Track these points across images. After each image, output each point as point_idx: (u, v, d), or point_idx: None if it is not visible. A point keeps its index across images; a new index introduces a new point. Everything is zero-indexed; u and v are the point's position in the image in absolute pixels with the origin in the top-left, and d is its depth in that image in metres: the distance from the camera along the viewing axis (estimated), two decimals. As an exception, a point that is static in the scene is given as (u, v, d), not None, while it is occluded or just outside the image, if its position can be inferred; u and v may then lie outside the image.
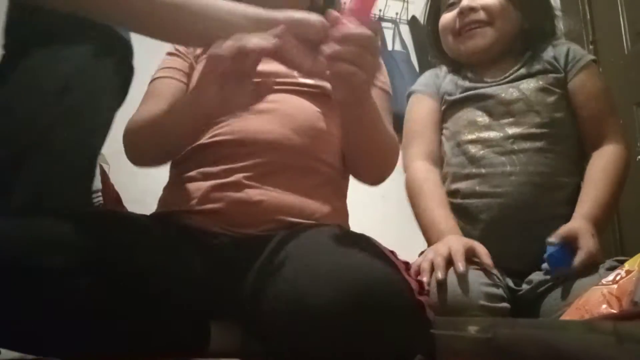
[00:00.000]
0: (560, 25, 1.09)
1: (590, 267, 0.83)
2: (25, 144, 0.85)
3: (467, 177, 0.99)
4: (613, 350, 0.37)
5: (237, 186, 0.82)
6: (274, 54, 0.66)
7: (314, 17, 0.66)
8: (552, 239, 0.85)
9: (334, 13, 0.65)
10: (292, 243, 0.72)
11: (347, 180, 0.97)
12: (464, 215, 0.98)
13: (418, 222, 1.00)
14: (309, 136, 0.87)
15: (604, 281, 0.68)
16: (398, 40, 2.64)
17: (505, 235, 0.94)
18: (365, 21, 0.64)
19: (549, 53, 1.03)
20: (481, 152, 0.99)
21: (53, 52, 0.90)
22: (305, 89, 0.90)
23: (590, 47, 1.91)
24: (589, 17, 1.95)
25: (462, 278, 0.79)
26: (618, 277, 0.66)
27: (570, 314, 0.68)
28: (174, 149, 0.88)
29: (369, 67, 0.65)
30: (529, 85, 1.01)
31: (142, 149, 0.89)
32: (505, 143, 0.97)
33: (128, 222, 0.79)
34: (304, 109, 0.89)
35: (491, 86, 1.03)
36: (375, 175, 0.91)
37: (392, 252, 0.70)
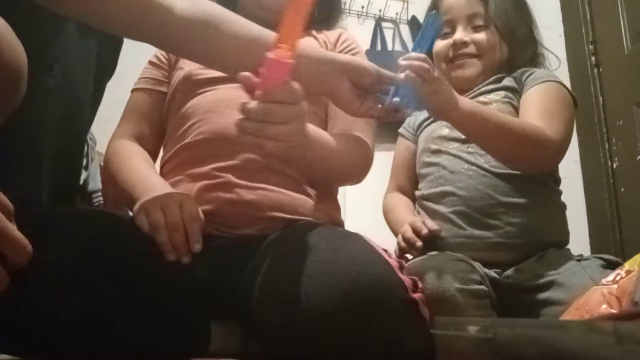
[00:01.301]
0: (543, 52, 1.16)
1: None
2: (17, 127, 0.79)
3: (433, 181, 1.07)
4: (613, 350, 0.37)
5: (227, 186, 0.82)
6: (328, 93, 0.72)
7: (369, 65, 0.70)
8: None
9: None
10: (286, 243, 0.73)
11: None
12: (433, 214, 1.04)
13: (392, 230, 1.11)
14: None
15: (604, 281, 0.68)
16: (398, 40, 2.64)
17: (473, 225, 0.98)
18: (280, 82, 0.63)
19: (516, 75, 1.10)
20: (444, 159, 1.06)
21: (39, 24, 0.83)
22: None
23: (590, 47, 1.91)
24: (589, 17, 1.95)
25: (438, 267, 0.85)
26: (618, 277, 0.66)
27: (570, 314, 0.68)
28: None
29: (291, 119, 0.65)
30: (487, 98, 1.07)
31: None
32: (463, 148, 1.05)
33: (127, 224, 0.79)
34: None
35: None
36: (348, 183, 0.95)
37: (385, 250, 0.70)
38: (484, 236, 0.97)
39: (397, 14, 2.66)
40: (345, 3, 2.57)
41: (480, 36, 1.11)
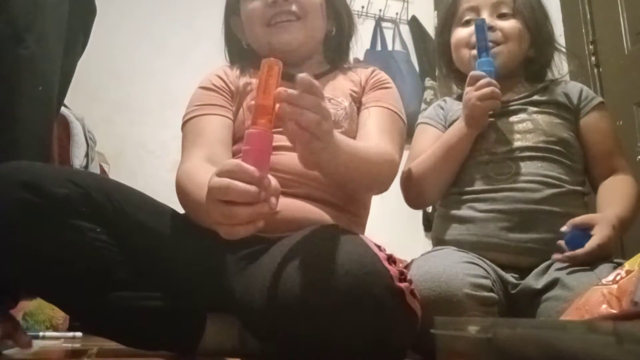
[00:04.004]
0: (560, 59, 1.17)
1: (598, 257, 0.85)
2: None
3: (476, 179, 1.05)
4: (613, 350, 0.36)
5: None
6: None
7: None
8: (569, 224, 0.90)
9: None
10: (284, 240, 0.75)
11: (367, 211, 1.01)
12: (471, 209, 1.03)
13: (446, 159, 1.06)
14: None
15: (604, 281, 0.68)
16: (398, 40, 2.64)
17: (509, 228, 0.97)
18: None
19: (561, 87, 1.11)
20: (489, 158, 1.05)
21: None
22: None
23: (590, 47, 1.91)
24: (589, 17, 1.94)
25: (448, 268, 0.84)
26: (618, 277, 0.66)
27: (570, 314, 0.69)
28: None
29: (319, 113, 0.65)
30: (539, 109, 1.07)
31: (183, 207, 0.88)
32: (512, 154, 1.04)
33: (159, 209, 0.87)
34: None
35: (502, 108, 1.08)
36: (369, 192, 0.98)
37: (378, 246, 0.71)
38: (521, 240, 0.96)
39: (397, 14, 2.66)
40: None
41: (507, 24, 1.09)
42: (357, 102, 1.01)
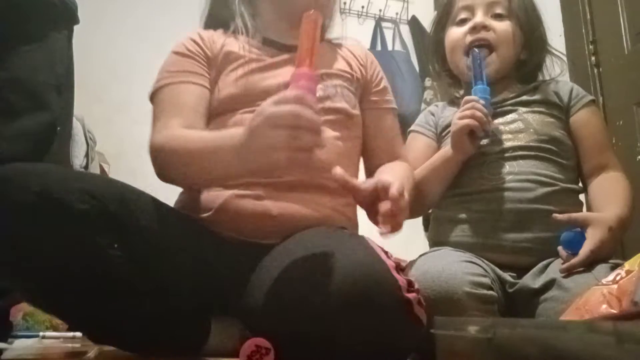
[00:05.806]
0: (552, 61, 1.16)
1: (594, 261, 0.85)
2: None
3: (470, 180, 1.05)
4: (613, 350, 0.36)
5: (257, 198, 0.83)
6: None
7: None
8: (565, 217, 0.91)
9: None
10: (289, 246, 0.74)
11: None
12: (466, 210, 1.03)
13: (429, 181, 1.06)
14: (328, 158, 0.88)
15: (604, 281, 0.68)
16: (398, 40, 2.64)
17: (505, 228, 0.98)
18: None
19: (551, 87, 1.10)
20: (482, 159, 1.05)
21: (44, 46, 0.89)
22: (325, 116, 0.90)
23: (590, 47, 1.91)
24: (589, 17, 1.94)
25: (447, 267, 0.84)
26: (618, 277, 0.66)
27: (570, 314, 0.68)
28: (210, 183, 0.83)
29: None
30: (529, 109, 1.07)
31: (174, 174, 0.83)
32: (504, 154, 1.04)
33: (161, 209, 0.81)
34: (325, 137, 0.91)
35: (493, 109, 1.08)
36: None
37: (385, 252, 0.70)
38: (516, 239, 0.96)
39: (397, 14, 2.66)
40: (345, 3, 2.57)
41: (501, 25, 1.09)
42: (353, 83, 0.98)
